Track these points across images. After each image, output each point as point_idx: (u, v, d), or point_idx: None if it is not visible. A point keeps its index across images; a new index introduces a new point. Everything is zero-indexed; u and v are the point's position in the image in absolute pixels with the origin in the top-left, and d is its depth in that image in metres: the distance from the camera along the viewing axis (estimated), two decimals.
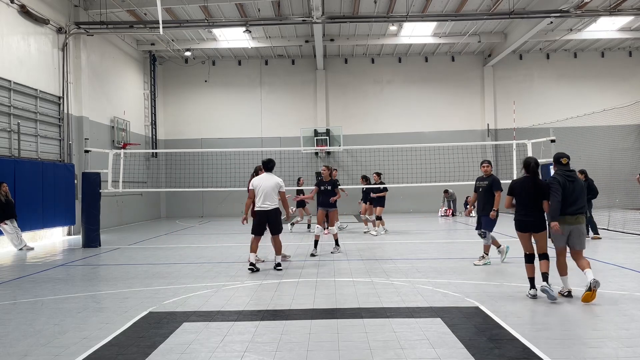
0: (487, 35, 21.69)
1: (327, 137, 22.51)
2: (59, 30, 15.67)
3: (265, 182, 8.45)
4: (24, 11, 13.89)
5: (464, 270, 8.20)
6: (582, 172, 11.92)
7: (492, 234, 8.72)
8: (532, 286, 6.27)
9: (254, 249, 8.53)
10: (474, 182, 8.97)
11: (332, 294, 6.64)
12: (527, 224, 6.31)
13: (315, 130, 22.87)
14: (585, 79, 23.95)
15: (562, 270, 6.28)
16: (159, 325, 5.27)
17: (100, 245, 12.46)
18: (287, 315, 5.60)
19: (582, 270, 6.10)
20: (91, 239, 12.35)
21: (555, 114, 21.81)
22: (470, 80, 24.29)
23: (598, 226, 12.80)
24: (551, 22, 18.83)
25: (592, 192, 11.73)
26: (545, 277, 6.09)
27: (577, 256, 6.25)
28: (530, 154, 12.68)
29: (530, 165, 6.37)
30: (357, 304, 6.06)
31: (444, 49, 23.72)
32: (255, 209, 8.50)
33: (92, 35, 17.00)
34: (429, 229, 15.32)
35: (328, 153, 23.61)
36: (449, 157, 18.53)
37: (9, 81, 13.29)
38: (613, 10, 17.15)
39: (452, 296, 6.36)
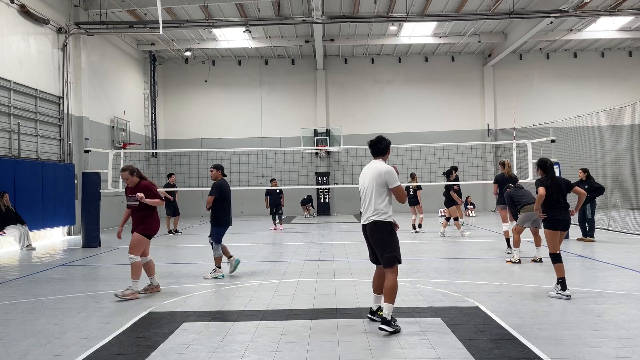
0: (487, 35, 21.70)
1: (327, 137, 22.52)
2: (59, 30, 15.67)
3: (365, 176, 5.27)
4: (24, 11, 13.89)
5: (464, 270, 8.20)
6: (585, 170, 11.76)
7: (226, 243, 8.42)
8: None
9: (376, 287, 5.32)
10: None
11: (332, 294, 6.64)
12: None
13: (315, 130, 22.87)
14: (585, 79, 23.95)
15: (517, 244, 8.70)
16: (159, 325, 5.27)
17: (100, 245, 12.46)
18: (287, 315, 5.59)
19: (536, 247, 8.73)
20: (91, 239, 12.36)
21: (555, 114, 21.83)
22: (470, 80, 24.30)
23: (598, 226, 12.70)
24: (551, 22, 18.84)
25: (594, 191, 11.33)
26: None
27: (536, 231, 8.74)
28: (530, 154, 12.72)
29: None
30: (357, 304, 6.06)
31: (444, 49, 23.72)
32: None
33: (92, 35, 17.01)
34: (430, 229, 15.29)
35: (328, 153, 23.62)
36: (449, 157, 18.54)
37: (9, 81, 13.29)
38: (613, 10, 17.16)
39: (452, 296, 6.36)
